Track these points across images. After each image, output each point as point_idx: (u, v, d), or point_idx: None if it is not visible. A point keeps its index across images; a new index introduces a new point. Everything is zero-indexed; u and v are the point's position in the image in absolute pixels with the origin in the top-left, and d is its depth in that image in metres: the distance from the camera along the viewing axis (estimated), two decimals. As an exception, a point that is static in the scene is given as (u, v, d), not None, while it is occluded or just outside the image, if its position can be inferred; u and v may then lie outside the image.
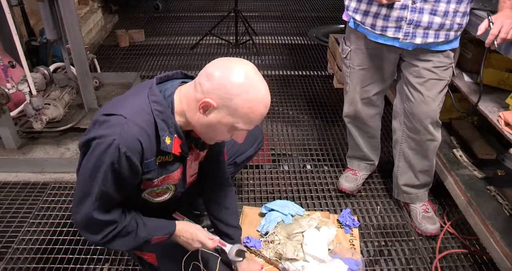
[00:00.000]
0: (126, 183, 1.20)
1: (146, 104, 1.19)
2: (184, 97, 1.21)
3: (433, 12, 1.59)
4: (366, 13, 1.71)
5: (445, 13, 1.60)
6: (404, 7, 1.60)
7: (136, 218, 1.31)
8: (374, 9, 1.67)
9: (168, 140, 1.21)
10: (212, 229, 1.92)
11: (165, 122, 1.20)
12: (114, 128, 1.13)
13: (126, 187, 1.22)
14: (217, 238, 1.47)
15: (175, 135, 1.23)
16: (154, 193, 1.34)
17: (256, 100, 1.13)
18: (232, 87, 1.10)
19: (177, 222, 1.41)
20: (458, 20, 1.63)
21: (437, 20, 1.60)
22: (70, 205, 2.15)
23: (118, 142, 1.11)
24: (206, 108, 1.14)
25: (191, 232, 1.39)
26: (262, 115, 1.17)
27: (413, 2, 1.58)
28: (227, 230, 1.61)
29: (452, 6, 1.59)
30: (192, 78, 1.29)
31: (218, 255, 1.53)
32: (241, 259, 1.51)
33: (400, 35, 1.66)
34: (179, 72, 1.32)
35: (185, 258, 1.44)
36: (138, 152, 1.16)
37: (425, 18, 1.60)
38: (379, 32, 1.70)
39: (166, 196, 1.38)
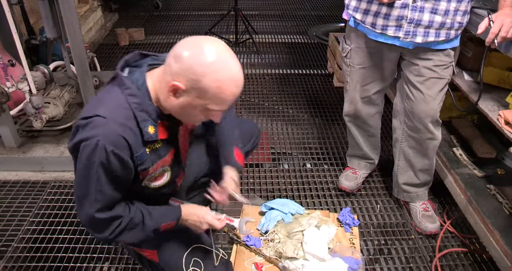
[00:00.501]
0: (120, 180, 1.21)
1: (122, 99, 1.18)
2: (157, 81, 1.20)
3: (434, 11, 1.59)
4: (366, 12, 1.70)
5: (446, 12, 1.59)
6: (404, 6, 1.60)
7: (140, 208, 1.31)
8: (374, 8, 1.67)
9: (151, 129, 1.20)
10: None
11: (146, 112, 1.19)
12: (96, 129, 1.13)
13: (122, 184, 1.23)
14: (223, 216, 1.46)
15: (159, 121, 1.23)
16: (153, 177, 1.34)
17: (226, 79, 1.10)
18: (199, 68, 1.08)
19: (182, 206, 1.41)
20: (458, 18, 1.62)
21: (438, 19, 1.60)
22: (70, 204, 2.15)
23: (103, 142, 1.11)
24: (175, 91, 1.13)
25: (197, 214, 1.40)
26: (234, 95, 1.15)
27: (414, 1, 1.58)
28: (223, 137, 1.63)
29: (453, 5, 1.59)
30: (154, 56, 1.27)
31: (218, 252, 1.53)
32: (252, 231, 1.52)
33: (401, 34, 1.66)
34: (137, 54, 1.28)
35: (186, 254, 1.44)
36: (125, 148, 1.16)
37: (426, 17, 1.60)
38: (379, 31, 1.70)
39: (165, 178, 1.38)
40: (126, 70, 1.24)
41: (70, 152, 1.21)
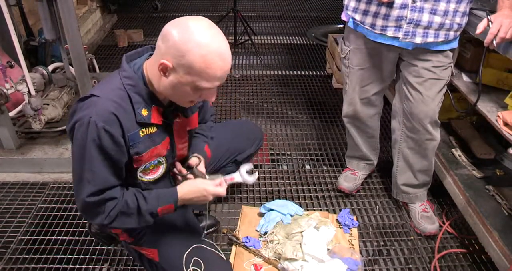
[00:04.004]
0: (113, 159, 1.22)
1: (118, 81, 1.23)
2: (150, 65, 1.24)
3: (433, 11, 1.59)
4: (365, 13, 1.70)
5: (445, 13, 1.60)
6: (404, 6, 1.60)
7: (134, 192, 1.31)
8: (373, 8, 1.67)
9: (145, 112, 1.24)
10: (209, 224, 1.92)
11: (139, 95, 1.23)
12: (90, 108, 1.17)
13: (115, 166, 1.24)
14: (222, 180, 1.44)
15: (153, 105, 1.26)
16: (148, 170, 1.35)
17: (210, 53, 1.11)
18: (183, 45, 1.10)
19: (178, 187, 1.39)
20: (457, 19, 1.63)
21: (437, 19, 1.61)
22: (70, 205, 2.15)
23: (94, 118, 1.15)
24: (165, 69, 1.16)
25: (198, 190, 1.38)
26: (222, 69, 1.15)
27: (413, 1, 1.58)
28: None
29: (452, 6, 1.59)
30: None
31: (218, 252, 1.53)
32: (256, 175, 1.48)
33: (400, 35, 1.66)
34: (149, 47, 1.33)
35: (186, 253, 1.44)
36: (116, 124, 1.18)
37: (425, 17, 1.60)
38: (379, 32, 1.70)
39: (160, 171, 1.39)
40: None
41: (68, 135, 1.26)
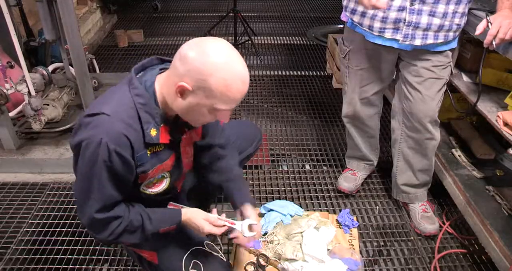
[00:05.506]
0: (121, 179, 1.21)
1: (128, 98, 1.18)
2: (164, 84, 1.20)
3: (432, 14, 1.59)
4: (363, 14, 1.70)
5: (444, 14, 1.59)
6: (402, 9, 1.60)
7: (140, 211, 1.31)
8: (371, 10, 1.66)
9: (153, 132, 1.21)
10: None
11: (149, 114, 1.19)
12: (100, 127, 1.13)
13: (123, 184, 1.23)
14: (224, 222, 1.44)
15: (162, 125, 1.23)
16: (151, 183, 1.34)
17: (232, 78, 1.10)
18: (204, 68, 1.08)
19: (183, 211, 1.39)
20: (457, 20, 1.63)
21: (436, 21, 1.60)
22: (69, 206, 2.15)
23: (105, 140, 1.11)
24: (182, 92, 1.13)
25: (197, 224, 1.39)
26: (241, 93, 1.14)
27: (412, 4, 1.58)
28: (234, 185, 1.59)
29: (451, 7, 1.59)
30: (170, 61, 1.26)
31: (217, 254, 1.53)
32: (255, 233, 1.50)
33: (399, 37, 1.65)
34: (154, 58, 1.30)
35: (185, 256, 1.44)
36: (127, 146, 1.16)
37: (424, 19, 1.60)
38: (377, 33, 1.70)
39: (163, 185, 1.38)
40: (141, 73, 1.26)
41: (71, 148, 1.22)
